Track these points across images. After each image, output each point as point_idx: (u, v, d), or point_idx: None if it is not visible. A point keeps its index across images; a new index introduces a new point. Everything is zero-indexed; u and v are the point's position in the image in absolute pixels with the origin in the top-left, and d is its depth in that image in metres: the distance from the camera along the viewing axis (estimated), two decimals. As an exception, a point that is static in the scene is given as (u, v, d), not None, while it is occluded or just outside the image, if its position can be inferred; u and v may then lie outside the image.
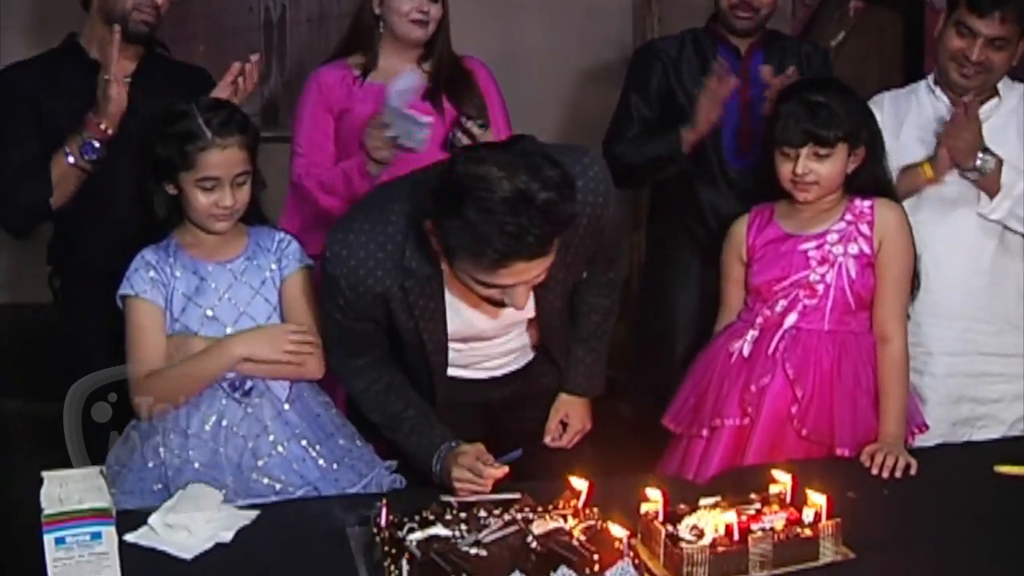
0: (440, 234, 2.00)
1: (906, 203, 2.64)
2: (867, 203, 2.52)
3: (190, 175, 2.29)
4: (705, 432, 2.50)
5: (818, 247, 2.51)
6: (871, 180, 2.53)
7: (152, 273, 2.32)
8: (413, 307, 2.19)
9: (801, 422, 2.46)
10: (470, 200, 1.92)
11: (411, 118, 2.71)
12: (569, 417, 2.51)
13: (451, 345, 2.29)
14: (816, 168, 2.45)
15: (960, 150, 2.66)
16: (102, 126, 2.57)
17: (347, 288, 2.17)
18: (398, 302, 2.19)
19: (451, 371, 2.37)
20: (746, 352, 2.52)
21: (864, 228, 2.50)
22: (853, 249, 2.49)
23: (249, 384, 2.34)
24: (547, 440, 2.49)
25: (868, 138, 2.51)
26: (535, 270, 2.00)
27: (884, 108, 2.79)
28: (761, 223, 2.58)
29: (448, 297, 2.21)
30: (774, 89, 2.77)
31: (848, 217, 2.51)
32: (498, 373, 2.45)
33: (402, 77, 2.74)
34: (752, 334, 2.53)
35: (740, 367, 2.52)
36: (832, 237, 2.51)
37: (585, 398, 2.53)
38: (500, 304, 2.09)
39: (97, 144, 2.57)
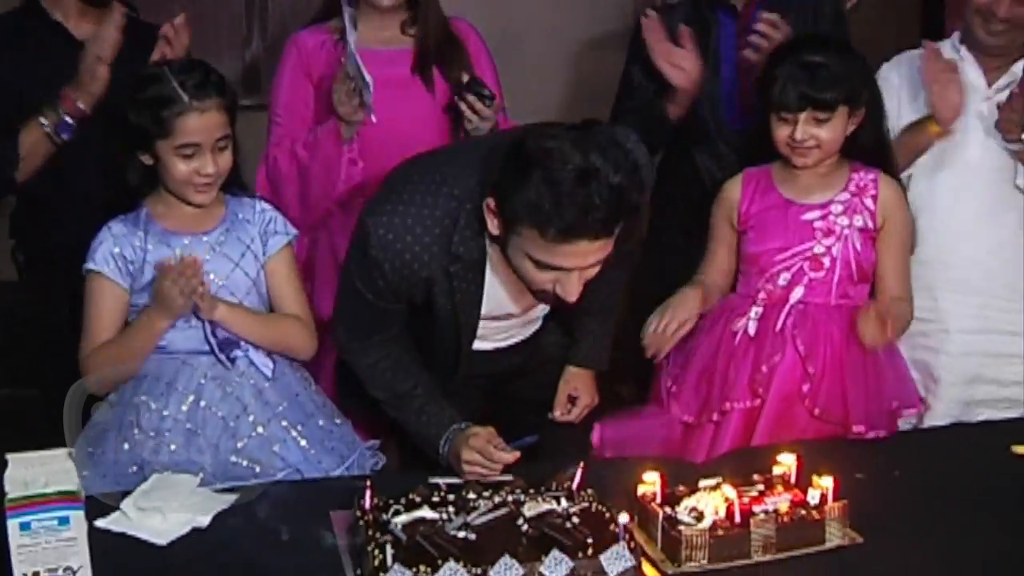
0: (504, 208, 2.06)
1: (924, 170, 2.65)
2: (871, 176, 2.53)
3: (168, 143, 2.27)
4: (716, 417, 2.49)
5: (823, 217, 2.51)
6: (870, 143, 2.53)
7: (117, 248, 2.32)
8: (455, 291, 2.24)
9: (813, 400, 2.46)
10: (541, 170, 2.00)
11: (361, 74, 2.66)
12: (578, 391, 2.57)
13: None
14: (816, 133, 2.45)
15: (1011, 121, 2.64)
16: (80, 104, 2.56)
17: (391, 272, 2.21)
18: (440, 286, 2.24)
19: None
20: (752, 331, 2.51)
21: (868, 202, 2.51)
22: (858, 222, 2.51)
23: (235, 352, 2.34)
24: (556, 414, 2.53)
25: (868, 99, 2.50)
26: (593, 255, 2.06)
27: (902, 71, 2.78)
28: (758, 187, 2.58)
29: (487, 279, 2.26)
30: (762, 46, 2.76)
31: (852, 188, 2.52)
32: (504, 344, 2.49)
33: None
34: (756, 311, 2.53)
35: (747, 347, 2.52)
36: (836, 208, 2.52)
37: (592, 371, 2.59)
38: (549, 298, 2.15)
39: (71, 121, 2.57)
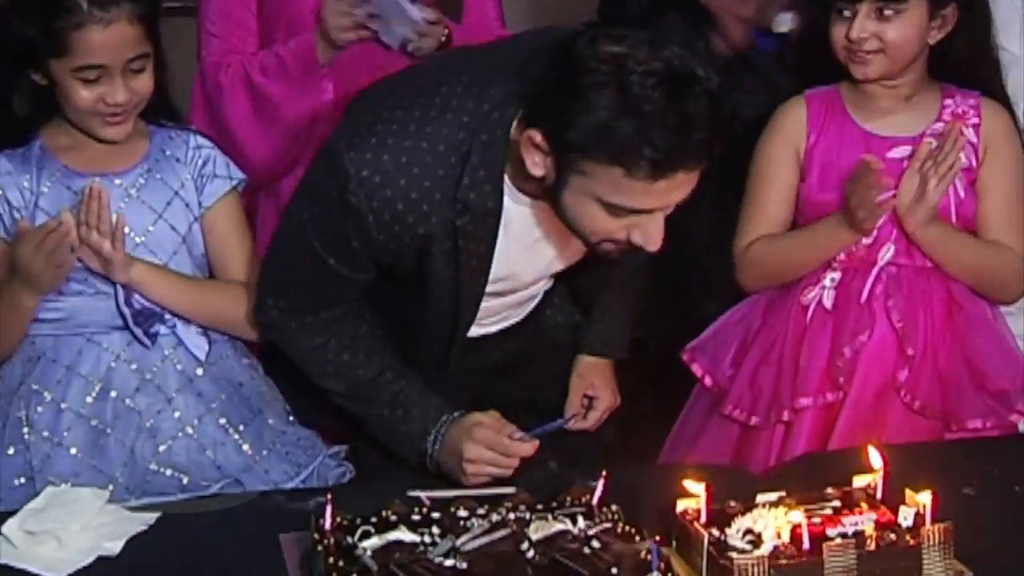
0: (559, 141, 1.91)
1: None
2: (970, 100, 2.47)
3: (64, 63, 2.16)
4: (787, 416, 2.45)
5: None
6: (964, 57, 2.44)
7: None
8: (460, 252, 2.12)
9: (912, 391, 2.40)
10: (614, 87, 1.84)
11: (400, 4, 2.64)
12: (596, 389, 2.48)
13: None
14: (879, 31, 2.35)
15: None
16: None
17: (375, 227, 2.07)
18: (440, 246, 2.11)
19: None
20: (828, 303, 2.44)
21: (969, 133, 2.45)
22: (962, 160, 2.41)
23: (156, 327, 2.25)
24: (569, 421, 2.40)
25: None
26: (687, 187, 1.94)
27: None
28: (826, 114, 2.49)
29: (500, 237, 2.14)
30: None
31: (947, 117, 2.45)
32: (495, 328, 2.40)
33: None
34: (832, 277, 2.47)
35: (822, 324, 2.46)
36: (930, 142, 2.42)
37: (610, 360, 2.51)
38: (612, 252, 2.03)
39: None
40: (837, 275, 2.46)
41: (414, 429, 2.21)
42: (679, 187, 1.93)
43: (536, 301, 2.43)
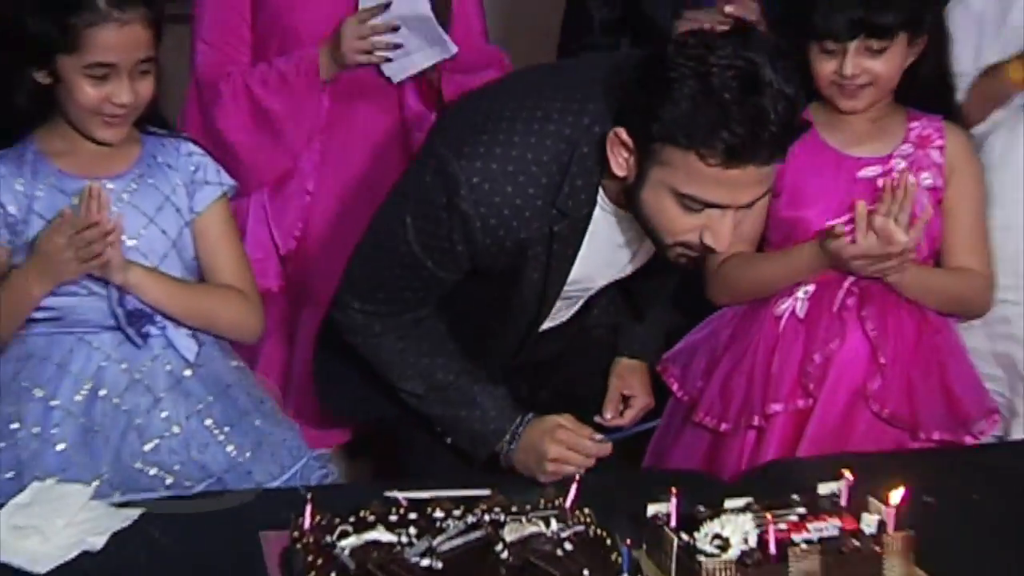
0: (643, 134, 1.98)
1: (1010, 115, 2.59)
2: (934, 123, 2.47)
3: (75, 59, 2.15)
4: (757, 422, 2.45)
5: (885, 174, 2.44)
6: (930, 81, 2.46)
7: None
8: (552, 256, 2.17)
9: (881, 400, 2.40)
10: (696, 79, 1.91)
11: (437, 34, 2.66)
12: (634, 388, 2.51)
13: None
14: (870, 66, 2.37)
15: None
16: None
17: (481, 232, 2.10)
18: (535, 249, 2.15)
19: None
20: (801, 312, 2.45)
21: (935, 155, 2.46)
22: (926, 180, 2.45)
23: (148, 327, 2.24)
24: (607, 417, 2.46)
25: (931, 23, 2.42)
26: (757, 187, 2.00)
27: None
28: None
29: (585, 241, 2.19)
30: None
31: (912, 138, 2.46)
32: (548, 326, 2.41)
33: None
34: (806, 289, 2.46)
35: (795, 332, 2.45)
36: (899, 163, 2.45)
37: (646, 363, 2.55)
38: (683, 257, 2.08)
39: None
40: (811, 287, 2.46)
41: (490, 429, 2.23)
42: (748, 184, 1.97)
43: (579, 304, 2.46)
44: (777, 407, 2.42)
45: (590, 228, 2.16)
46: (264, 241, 2.83)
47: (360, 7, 2.67)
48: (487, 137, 2.10)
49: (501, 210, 2.08)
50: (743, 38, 1.97)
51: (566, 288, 2.26)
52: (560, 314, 2.40)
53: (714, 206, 1.99)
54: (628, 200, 2.08)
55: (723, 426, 2.45)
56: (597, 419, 2.44)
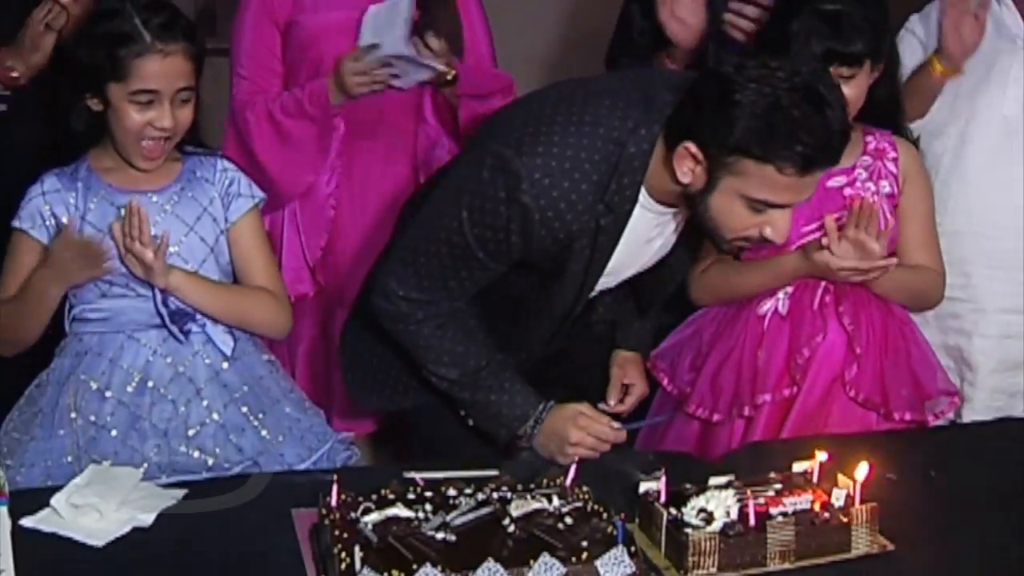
0: (715, 147, 2.03)
1: (953, 129, 2.66)
2: (886, 138, 2.52)
3: (122, 86, 2.21)
4: (748, 412, 2.48)
5: (850, 184, 2.49)
6: (883, 100, 2.50)
7: (47, 206, 2.26)
8: (595, 249, 2.20)
9: (857, 385, 2.45)
10: (764, 97, 1.99)
11: (419, 61, 2.71)
12: (633, 378, 2.54)
13: None
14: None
15: None
16: (15, 74, 2.53)
17: (538, 224, 2.13)
18: (581, 241, 2.18)
19: None
20: (784, 310, 2.49)
21: (890, 165, 2.51)
22: (885, 188, 2.50)
23: (189, 325, 2.29)
24: (611, 403, 2.49)
25: (888, 50, 2.47)
26: (815, 186, 2.07)
27: (931, 21, 2.75)
28: None
29: (624, 235, 2.22)
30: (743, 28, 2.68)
31: (870, 151, 2.51)
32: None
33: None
34: (786, 290, 2.50)
35: (779, 329, 2.49)
36: (862, 173, 2.49)
37: (641, 355, 2.58)
38: (737, 250, 2.20)
39: (4, 92, 2.53)
40: (790, 289, 2.50)
41: (516, 413, 2.26)
42: (811, 185, 2.07)
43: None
44: (766, 397, 2.45)
45: (627, 228, 2.21)
46: (298, 251, 2.89)
47: (359, 43, 2.71)
48: (544, 137, 2.13)
49: (558, 204, 2.12)
50: (793, 59, 2.08)
51: (605, 276, 2.29)
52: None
53: (778, 206, 2.07)
54: (690, 203, 2.13)
55: (715, 416, 2.48)
56: (601, 406, 2.45)
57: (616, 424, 2.24)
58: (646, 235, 2.26)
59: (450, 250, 2.21)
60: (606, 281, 2.33)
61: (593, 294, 2.36)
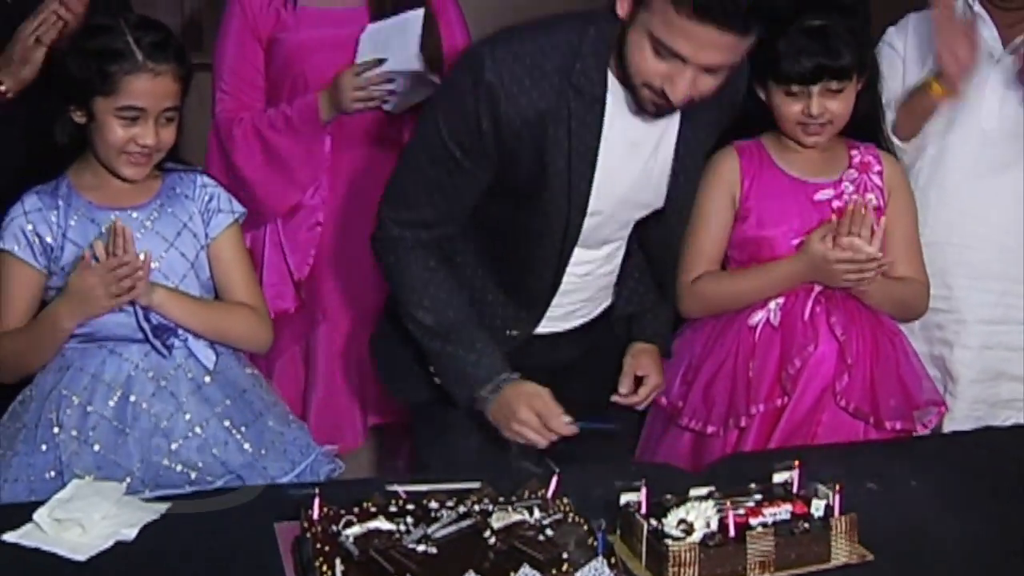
0: None
1: (932, 142, 2.65)
2: (870, 151, 2.54)
3: (109, 101, 2.22)
4: (744, 423, 2.48)
5: (837, 196, 2.51)
6: (864, 113, 2.52)
7: (30, 225, 2.26)
8: (572, 136, 2.19)
9: (847, 395, 2.46)
10: None
11: (427, 78, 2.72)
12: (647, 369, 2.49)
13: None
14: (830, 106, 2.44)
15: None
16: (3, 87, 2.53)
17: (504, 100, 2.14)
18: (555, 128, 2.18)
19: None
20: (775, 321, 2.50)
21: (875, 178, 2.53)
22: (872, 200, 2.50)
23: (171, 339, 2.30)
24: (621, 391, 2.47)
25: (871, 63, 2.49)
26: (715, 53, 2.05)
27: (908, 33, 2.76)
28: (755, 164, 2.55)
29: (604, 134, 2.21)
30: None
31: (856, 164, 2.53)
32: (571, 324, 2.45)
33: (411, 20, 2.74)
34: (777, 301, 2.51)
35: (770, 340, 2.50)
36: (848, 187, 2.51)
37: (657, 348, 2.53)
38: (655, 104, 2.13)
39: None
40: (781, 300, 2.50)
41: (480, 374, 2.25)
42: (710, 46, 2.04)
43: (607, 303, 2.47)
44: (759, 407, 2.45)
45: (606, 118, 2.20)
46: (280, 267, 2.88)
47: (358, 59, 2.72)
48: (509, 33, 2.19)
49: (523, 80, 2.14)
50: None
51: (594, 201, 2.25)
52: (583, 306, 2.41)
53: (678, 56, 2.05)
54: (619, 43, 2.13)
55: (709, 428, 2.49)
56: (614, 398, 2.45)
57: (568, 419, 2.20)
58: (630, 136, 2.23)
59: (429, 156, 2.22)
60: (603, 205, 2.28)
61: (598, 243, 2.33)
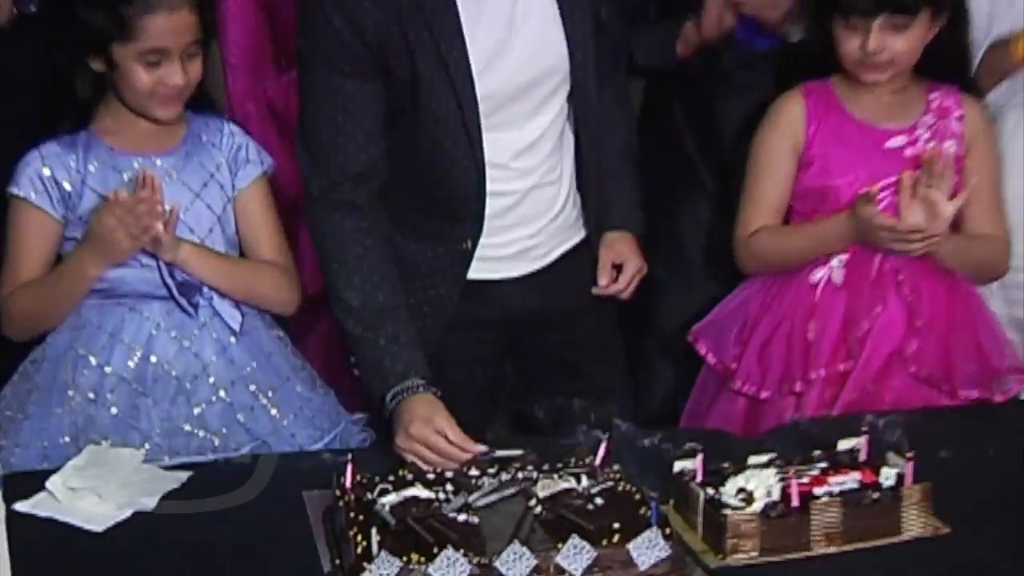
0: None
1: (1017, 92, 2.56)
2: (952, 95, 2.45)
3: (129, 47, 2.16)
4: (799, 388, 2.42)
5: (911, 143, 2.42)
6: (950, 56, 2.43)
7: (47, 170, 2.21)
8: (430, 19, 2.11)
9: (918, 361, 2.40)
10: None
11: None
12: (623, 255, 2.42)
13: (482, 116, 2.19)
14: (892, 43, 2.34)
15: None
16: None
17: None
18: (410, 16, 2.11)
19: (476, 272, 2.28)
20: (838, 280, 2.43)
21: (955, 125, 2.44)
22: (950, 149, 2.40)
23: (196, 297, 2.25)
24: (601, 283, 2.39)
25: (954, 1, 2.39)
26: None
27: None
28: (822, 107, 2.46)
29: (462, 9, 2.14)
30: None
31: (934, 109, 2.44)
32: (537, 265, 2.35)
33: None
34: (840, 258, 2.43)
35: (832, 300, 2.43)
36: (924, 133, 2.42)
37: (631, 234, 2.46)
38: None
39: None
40: (845, 256, 2.42)
41: (397, 369, 2.15)
42: None
43: (580, 237, 2.38)
44: (820, 372, 2.40)
45: None
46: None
47: None
48: None
49: None
50: None
51: (483, 83, 2.16)
52: (523, 181, 2.28)
53: None
54: None
55: (763, 393, 2.43)
56: (595, 290, 2.37)
57: (473, 447, 2.02)
58: (506, 11, 2.16)
59: (312, 96, 2.18)
60: (498, 87, 2.18)
61: (491, 91, 2.20)
